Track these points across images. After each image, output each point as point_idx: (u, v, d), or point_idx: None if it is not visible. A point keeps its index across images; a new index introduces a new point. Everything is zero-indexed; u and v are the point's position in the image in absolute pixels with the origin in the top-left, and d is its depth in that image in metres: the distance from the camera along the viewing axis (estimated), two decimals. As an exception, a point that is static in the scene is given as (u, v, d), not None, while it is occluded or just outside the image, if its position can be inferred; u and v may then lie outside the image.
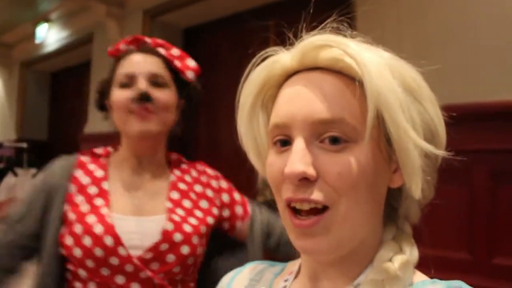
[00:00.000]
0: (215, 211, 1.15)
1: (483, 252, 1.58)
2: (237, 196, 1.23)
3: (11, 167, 2.77)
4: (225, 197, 1.20)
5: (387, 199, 0.58)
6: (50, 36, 4.45)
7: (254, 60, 0.60)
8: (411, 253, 0.55)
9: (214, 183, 1.20)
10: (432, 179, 0.57)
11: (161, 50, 1.15)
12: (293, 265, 0.67)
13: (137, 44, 1.16)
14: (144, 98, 1.05)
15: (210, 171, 1.24)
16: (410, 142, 0.51)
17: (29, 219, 1.06)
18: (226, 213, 1.19)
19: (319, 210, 0.52)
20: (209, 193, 1.18)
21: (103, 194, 1.07)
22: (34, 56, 4.78)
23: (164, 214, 1.07)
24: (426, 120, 0.54)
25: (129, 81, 1.08)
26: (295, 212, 0.53)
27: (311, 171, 0.51)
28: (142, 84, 1.07)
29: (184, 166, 1.21)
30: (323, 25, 0.56)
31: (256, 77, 0.59)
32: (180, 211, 1.08)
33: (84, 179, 1.09)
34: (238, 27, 2.92)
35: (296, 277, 0.64)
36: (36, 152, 3.25)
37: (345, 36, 0.55)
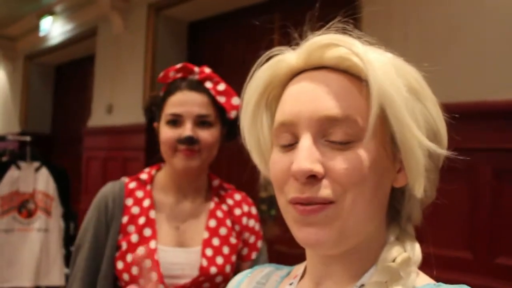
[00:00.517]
0: (239, 248, 1.24)
1: (486, 251, 1.57)
2: (252, 240, 1.27)
3: (14, 160, 2.77)
4: (246, 236, 1.27)
5: (390, 200, 0.57)
6: (54, 29, 4.46)
7: (259, 59, 0.60)
8: (414, 253, 0.55)
9: (244, 220, 1.27)
10: (434, 180, 0.57)
11: (208, 84, 1.20)
12: (299, 269, 0.67)
13: (184, 72, 1.21)
14: (189, 142, 1.13)
15: (244, 205, 1.29)
16: (414, 141, 0.51)
17: (98, 252, 1.16)
18: (244, 252, 1.27)
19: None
20: (237, 228, 1.25)
21: (150, 223, 1.17)
22: (38, 49, 4.78)
23: (200, 246, 1.17)
24: (429, 120, 0.54)
25: (176, 121, 1.15)
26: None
27: (318, 169, 0.51)
28: (188, 127, 1.14)
29: (222, 192, 1.29)
30: (329, 25, 0.56)
31: (260, 76, 0.59)
32: (215, 241, 1.19)
33: (135, 209, 1.19)
34: (243, 21, 2.91)
35: (300, 280, 0.64)
36: (39, 146, 3.25)
37: (351, 35, 0.55)
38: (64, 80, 5.06)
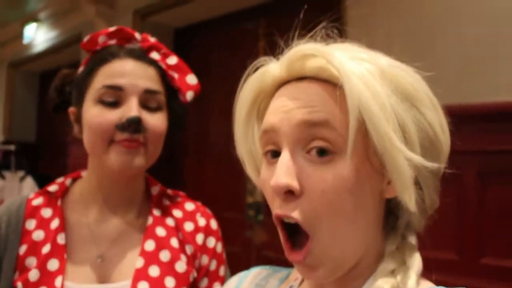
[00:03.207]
0: (191, 277, 0.89)
1: (472, 252, 1.59)
2: (213, 266, 0.94)
3: (-2, 169, 2.74)
4: (204, 261, 0.93)
5: (390, 208, 0.57)
6: (38, 36, 4.41)
7: (247, 70, 0.60)
8: (414, 265, 0.54)
9: (199, 238, 0.93)
10: (434, 187, 0.56)
11: (155, 56, 0.90)
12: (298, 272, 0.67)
13: (120, 38, 0.90)
14: (135, 127, 0.81)
15: (200, 217, 0.96)
16: (397, 153, 0.49)
17: None
18: (202, 284, 0.93)
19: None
20: (189, 250, 0.91)
21: (58, 252, 0.84)
22: (22, 57, 4.72)
23: (130, 280, 0.84)
24: (424, 127, 0.53)
25: (115, 98, 0.83)
26: (284, 225, 0.53)
27: (295, 184, 0.50)
28: (134, 107, 0.81)
29: (167, 202, 0.95)
30: (313, 32, 0.56)
31: (248, 88, 0.59)
32: (154, 271, 0.85)
33: (38, 234, 0.85)
34: (229, 27, 2.91)
35: (301, 283, 0.64)
36: (24, 154, 3.20)
37: (334, 42, 0.55)
38: (48, 87, 5.00)
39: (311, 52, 0.52)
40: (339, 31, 0.57)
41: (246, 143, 0.61)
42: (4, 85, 4.99)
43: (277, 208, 0.53)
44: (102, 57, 0.87)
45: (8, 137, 4.75)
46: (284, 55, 0.56)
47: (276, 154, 0.54)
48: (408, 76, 0.54)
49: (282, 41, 0.57)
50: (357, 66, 0.51)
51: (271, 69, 0.57)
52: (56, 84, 0.96)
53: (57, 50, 4.22)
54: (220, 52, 2.98)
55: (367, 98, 0.48)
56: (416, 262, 0.54)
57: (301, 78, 0.54)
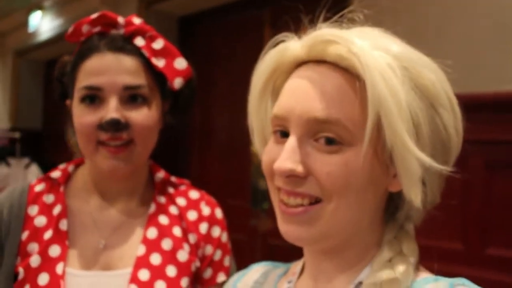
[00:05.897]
0: (193, 267, 0.88)
1: (477, 242, 1.58)
2: (218, 256, 0.93)
3: (4, 157, 2.75)
4: (208, 250, 0.92)
5: (391, 199, 0.57)
6: (43, 24, 4.41)
7: (269, 42, 0.60)
8: (412, 254, 0.54)
9: (203, 227, 0.92)
10: (437, 185, 0.56)
11: (139, 41, 0.86)
12: (296, 266, 0.67)
13: (104, 25, 0.87)
14: (115, 127, 0.80)
15: (204, 206, 0.94)
16: (408, 153, 0.49)
17: None
18: (206, 274, 0.92)
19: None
20: (192, 239, 0.90)
21: (60, 238, 0.84)
22: (28, 45, 4.73)
23: (131, 268, 0.84)
24: (438, 128, 0.53)
25: (95, 97, 0.82)
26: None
27: (299, 169, 0.51)
28: (113, 106, 0.80)
29: (170, 190, 0.95)
30: (337, 16, 0.56)
31: (268, 60, 0.59)
32: (155, 258, 0.85)
33: (40, 220, 0.85)
34: (234, 15, 2.89)
35: (299, 277, 0.64)
36: (29, 142, 3.22)
37: (359, 27, 0.55)
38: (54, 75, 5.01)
39: (334, 38, 0.52)
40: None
41: (258, 115, 0.62)
42: (10, 73, 5.00)
43: (281, 183, 0.54)
44: (83, 51, 0.85)
45: (13, 125, 4.78)
46: (307, 36, 0.56)
47: (285, 134, 0.55)
48: (431, 73, 0.53)
49: (292, 27, 0.58)
50: (379, 58, 0.50)
51: (291, 46, 0.57)
52: (56, 73, 0.94)
53: (62, 39, 4.21)
54: (224, 40, 2.96)
55: (386, 95, 0.48)
56: (413, 251, 0.55)
57: (319, 61, 0.54)
